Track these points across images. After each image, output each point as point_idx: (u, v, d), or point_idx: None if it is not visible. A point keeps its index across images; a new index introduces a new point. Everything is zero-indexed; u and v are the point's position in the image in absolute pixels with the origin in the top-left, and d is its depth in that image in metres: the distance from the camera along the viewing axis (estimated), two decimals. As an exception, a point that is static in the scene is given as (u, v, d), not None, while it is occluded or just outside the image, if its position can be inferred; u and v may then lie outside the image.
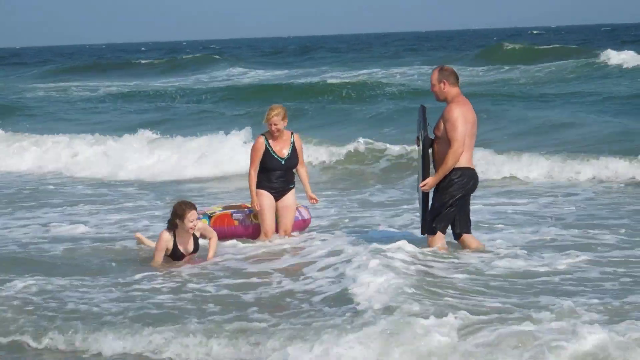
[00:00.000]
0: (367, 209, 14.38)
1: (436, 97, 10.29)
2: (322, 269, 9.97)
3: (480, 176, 10.83)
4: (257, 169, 11.68)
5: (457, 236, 10.45)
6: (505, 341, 7.11)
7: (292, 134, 11.83)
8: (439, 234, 10.32)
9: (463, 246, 10.43)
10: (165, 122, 28.80)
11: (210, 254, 10.84)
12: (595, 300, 8.33)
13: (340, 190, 17.02)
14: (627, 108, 26.47)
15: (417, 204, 11.37)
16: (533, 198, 14.99)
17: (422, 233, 10.46)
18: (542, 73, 43.48)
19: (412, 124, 11.18)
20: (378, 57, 69.28)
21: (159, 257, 10.69)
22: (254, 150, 11.70)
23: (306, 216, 12.23)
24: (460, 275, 9.37)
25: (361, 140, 20.47)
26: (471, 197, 10.43)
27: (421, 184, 10.25)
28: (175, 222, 10.63)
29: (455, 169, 10.12)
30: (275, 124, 11.58)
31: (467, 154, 10.13)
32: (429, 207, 10.34)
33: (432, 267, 9.74)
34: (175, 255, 10.74)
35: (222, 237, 11.51)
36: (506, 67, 48.02)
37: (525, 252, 10.41)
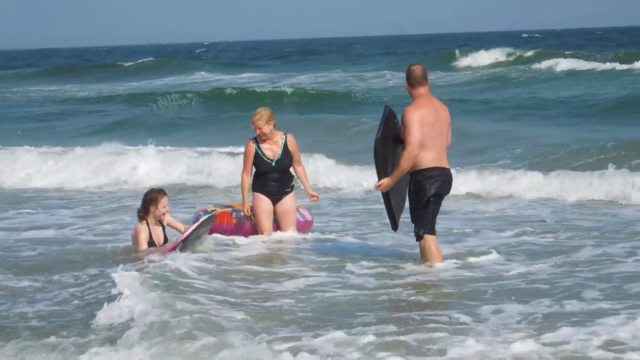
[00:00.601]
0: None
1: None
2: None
3: None
4: (249, 173, 11.73)
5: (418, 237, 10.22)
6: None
7: (284, 135, 11.75)
8: (428, 238, 10.11)
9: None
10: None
11: (181, 227, 11.03)
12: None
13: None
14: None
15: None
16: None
17: (394, 229, 10.40)
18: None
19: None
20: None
21: (144, 245, 10.86)
22: (244, 154, 11.77)
23: (307, 217, 12.10)
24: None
25: None
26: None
27: (376, 184, 10.16)
28: (148, 208, 10.86)
29: (419, 171, 9.98)
30: (259, 128, 11.60)
31: (430, 153, 9.94)
32: (395, 208, 10.22)
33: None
34: (149, 247, 10.91)
35: (221, 234, 11.65)
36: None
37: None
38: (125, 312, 8.10)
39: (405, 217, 10.36)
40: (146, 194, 11.01)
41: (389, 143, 10.15)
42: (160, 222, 11.03)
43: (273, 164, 11.63)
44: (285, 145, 11.70)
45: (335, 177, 17.60)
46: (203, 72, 60.09)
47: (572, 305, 8.38)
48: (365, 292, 9.20)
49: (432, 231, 10.10)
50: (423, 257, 10.15)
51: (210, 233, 11.39)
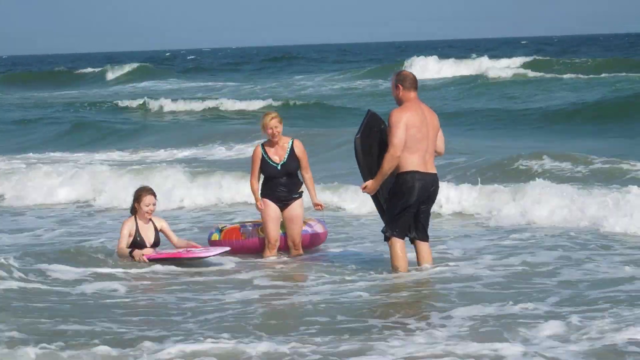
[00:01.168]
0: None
1: (395, 101, 10.22)
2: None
3: None
4: (257, 178, 11.64)
5: (411, 240, 10.34)
6: None
7: (291, 140, 11.72)
8: (395, 241, 10.12)
9: (416, 252, 10.36)
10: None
11: (174, 239, 11.38)
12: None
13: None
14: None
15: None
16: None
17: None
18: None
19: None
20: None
21: (123, 243, 11.12)
22: (252, 159, 11.69)
23: (319, 230, 11.85)
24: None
25: None
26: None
27: (362, 186, 10.21)
28: (134, 205, 11.23)
29: (401, 174, 9.97)
30: (275, 127, 11.49)
31: (414, 156, 9.93)
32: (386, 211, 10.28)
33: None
34: (137, 244, 11.12)
35: (232, 250, 11.44)
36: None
37: None
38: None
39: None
40: (135, 191, 11.37)
41: (371, 143, 10.13)
42: (153, 223, 11.25)
43: (279, 167, 11.52)
44: (292, 149, 11.58)
45: None
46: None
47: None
48: (318, 298, 9.35)
49: (400, 235, 10.12)
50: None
51: (230, 251, 11.36)
